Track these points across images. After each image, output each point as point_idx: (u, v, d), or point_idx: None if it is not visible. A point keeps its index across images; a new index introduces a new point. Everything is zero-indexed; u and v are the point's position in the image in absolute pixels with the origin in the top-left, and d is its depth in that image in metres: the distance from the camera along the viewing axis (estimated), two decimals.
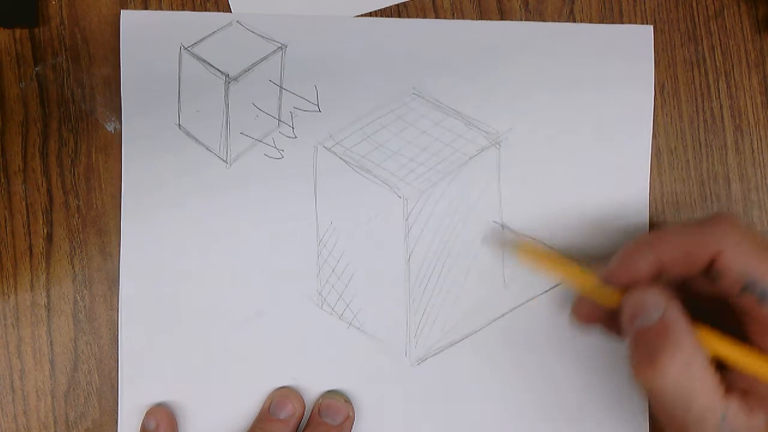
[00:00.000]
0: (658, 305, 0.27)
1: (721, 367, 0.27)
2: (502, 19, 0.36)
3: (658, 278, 0.28)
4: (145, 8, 0.35)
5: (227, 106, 0.35)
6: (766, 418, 0.26)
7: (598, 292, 0.30)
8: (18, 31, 0.35)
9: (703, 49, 0.36)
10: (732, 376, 0.27)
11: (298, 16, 0.35)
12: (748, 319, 0.27)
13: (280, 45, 0.35)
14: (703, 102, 0.36)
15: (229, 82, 0.35)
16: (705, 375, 0.26)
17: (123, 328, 0.34)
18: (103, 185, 0.35)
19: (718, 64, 0.36)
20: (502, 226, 0.35)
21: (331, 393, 0.34)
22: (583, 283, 0.31)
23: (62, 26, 0.35)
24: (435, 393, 0.35)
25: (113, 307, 0.35)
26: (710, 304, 0.29)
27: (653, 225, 0.35)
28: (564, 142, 0.35)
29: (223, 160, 0.35)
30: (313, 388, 0.34)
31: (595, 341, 0.35)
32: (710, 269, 0.27)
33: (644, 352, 0.27)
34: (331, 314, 0.35)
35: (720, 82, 0.36)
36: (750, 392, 0.27)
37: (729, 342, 0.27)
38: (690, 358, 0.26)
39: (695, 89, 0.36)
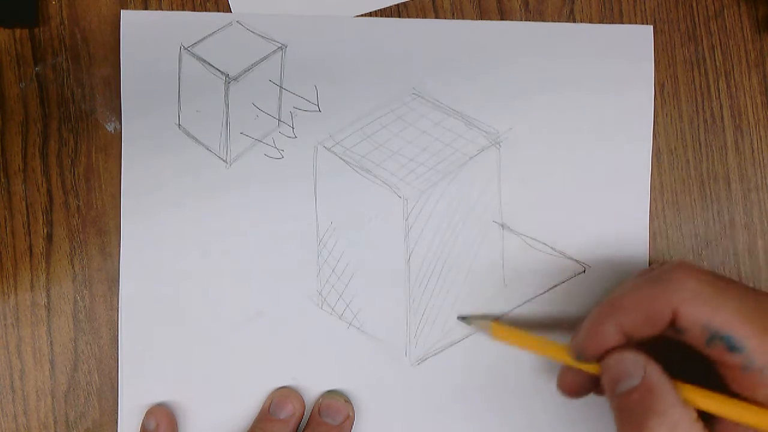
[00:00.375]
0: (637, 367, 0.27)
1: (706, 417, 0.27)
2: (502, 19, 0.36)
3: (630, 340, 0.28)
4: (145, 8, 0.35)
5: (227, 106, 0.35)
6: None
7: (577, 364, 0.30)
8: (18, 31, 0.35)
9: (703, 49, 0.36)
10: (719, 428, 0.27)
11: (298, 16, 0.35)
12: (723, 368, 0.27)
13: (280, 45, 0.35)
14: (703, 102, 0.36)
15: (229, 82, 0.35)
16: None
17: (123, 328, 0.34)
18: (103, 185, 0.35)
19: (718, 64, 0.36)
20: (502, 226, 0.35)
21: (331, 393, 0.34)
22: (558, 355, 0.31)
23: (62, 26, 0.35)
24: (435, 393, 0.35)
25: (113, 307, 0.35)
26: (688, 354, 0.28)
27: (652, 230, 0.35)
28: (564, 142, 0.35)
29: (223, 160, 0.35)
30: (313, 388, 0.34)
31: None
32: (674, 325, 0.27)
33: (630, 417, 0.26)
34: (331, 314, 0.35)
35: (720, 82, 0.36)
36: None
37: (712, 395, 0.27)
38: (677, 419, 0.26)
39: (695, 89, 0.36)
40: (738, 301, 0.26)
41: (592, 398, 0.35)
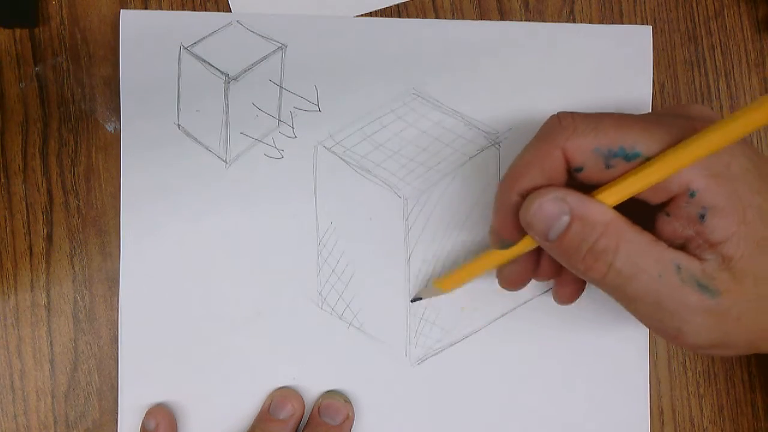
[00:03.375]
0: (559, 204, 0.26)
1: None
2: (502, 19, 0.36)
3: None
4: (145, 8, 0.35)
5: (227, 105, 0.35)
6: (716, 258, 0.26)
7: (502, 256, 0.30)
8: (18, 31, 0.35)
9: (703, 49, 0.36)
10: (662, 232, 0.27)
11: (298, 16, 0.35)
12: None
13: (280, 45, 0.35)
14: (703, 102, 0.36)
15: (229, 82, 0.35)
16: (644, 238, 0.26)
17: (123, 328, 0.34)
18: (103, 185, 0.35)
19: (718, 64, 0.36)
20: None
21: (331, 393, 0.34)
22: (489, 262, 0.31)
23: (62, 26, 0.35)
24: (435, 393, 0.35)
25: (113, 307, 0.35)
26: None
27: None
28: None
29: (223, 160, 0.35)
30: (313, 388, 0.34)
31: (596, 341, 0.35)
32: (572, 171, 0.27)
33: (576, 255, 0.26)
34: (331, 314, 0.35)
35: (720, 82, 0.36)
36: (686, 243, 0.27)
37: (620, 182, 0.26)
38: (625, 230, 0.26)
39: (695, 89, 0.36)
40: (616, 117, 0.27)
41: (592, 398, 0.35)
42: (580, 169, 0.27)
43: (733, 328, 0.26)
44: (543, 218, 0.27)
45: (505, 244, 0.29)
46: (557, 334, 0.35)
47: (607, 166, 0.27)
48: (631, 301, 0.27)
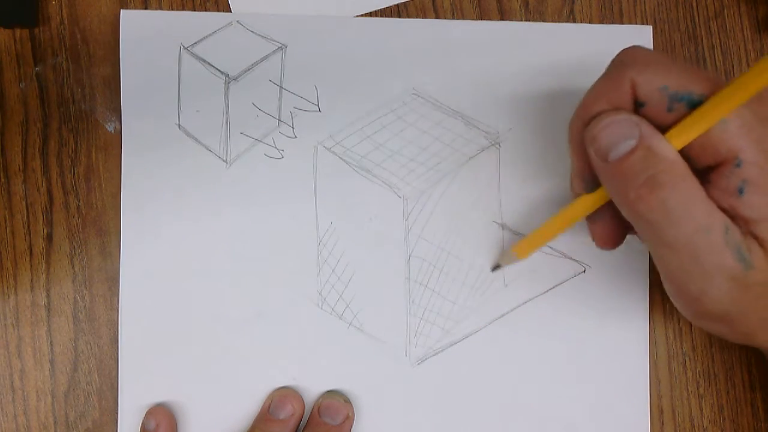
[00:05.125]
0: (631, 127, 0.26)
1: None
2: (502, 19, 0.36)
3: None
4: (145, 8, 0.35)
5: (227, 106, 0.35)
6: (748, 233, 0.26)
7: (592, 201, 0.29)
8: (18, 31, 0.35)
9: (703, 49, 0.36)
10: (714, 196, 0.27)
11: (298, 16, 0.35)
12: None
13: (280, 45, 0.35)
14: None
15: (229, 82, 0.35)
16: (700, 190, 0.26)
17: (123, 328, 0.34)
18: (103, 185, 0.35)
19: (718, 64, 0.36)
20: (502, 226, 0.35)
21: (331, 393, 0.34)
22: (579, 210, 0.30)
23: (62, 26, 0.35)
24: (435, 393, 0.35)
25: (113, 307, 0.35)
26: None
27: None
28: (564, 142, 0.35)
29: (223, 160, 0.35)
30: (313, 388, 0.34)
31: (596, 341, 0.35)
32: (636, 105, 0.27)
33: (631, 182, 0.26)
34: (331, 314, 0.35)
35: None
36: (732, 216, 0.26)
37: (686, 124, 0.26)
38: (686, 174, 0.26)
39: None
40: (685, 64, 0.27)
41: (592, 398, 0.35)
42: (642, 105, 0.27)
43: (749, 306, 0.26)
44: (610, 135, 0.26)
45: (590, 187, 0.29)
46: (557, 334, 0.35)
47: (670, 109, 0.26)
48: (666, 246, 0.26)
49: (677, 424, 0.35)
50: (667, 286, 0.28)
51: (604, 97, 0.27)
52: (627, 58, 0.28)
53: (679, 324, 0.35)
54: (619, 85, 0.27)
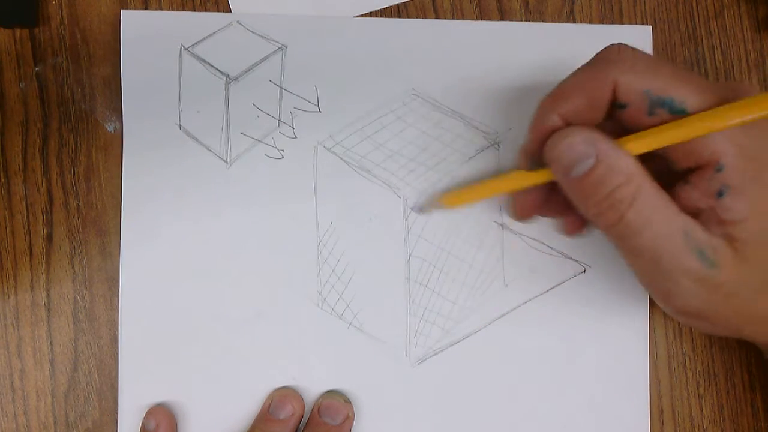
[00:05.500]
0: (588, 146, 0.26)
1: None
2: (502, 19, 0.36)
3: None
4: (145, 8, 0.35)
5: (227, 106, 0.35)
6: (723, 235, 0.26)
7: (527, 179, 0.30)
8: (18, 31, 0.35)
9: (703, 49, 0.36)
10: (677, 197, 0.27)
11: (298, 16, 0.35)
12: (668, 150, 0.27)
13: (280, 45, 0.35)
14: None
15: (229, 83, 0.35)
16: (660, 197, 0.26)
17: (123, 328, 0.34)
18: (103, 185, 0.35)
19: (718, 64, 0.36)
20: (502, 226, 0.35)
21: (331, 393, 0.34)
22: (513, 182, 0.30)
23: (62, 26, 0.35)
24: (435, 393, 0.35)
25: (113, 307, 0.35)
26: None
27: None
28: None
29: (224, 160, 0.35)
30: (313, 388, 0.34)
31: (596, 341, 0.35)
32: (614, 105, 0.27)
33: (592, 199, 0.26)
34: (331, 314, 0.35)
35: (720, 82, 0.36)
36: (697, 213, 0.27)
37: (648, 134, 0.26)
38: (645, 185, 0.26)
39: None
40: (673, 68, 0.27)
41: (592, 398, 0.35)
42: (623, 106, 0.27)
43: (721, 304, 0.27)
44: (570, 156, 0.27)
45: (532, 166, 0.29)
46: (557, 334, 0.35)
47: (650, 113, 0.26)
48: (632, 253, 0.27)
49: (677, 424, 0.35)
50: (642, 286, 0.29)
51: (583, 90, 0.27)
52: (613, 56, 0.28)
53: (679, 324, 0.35)
54: (600, 82, 0.27)
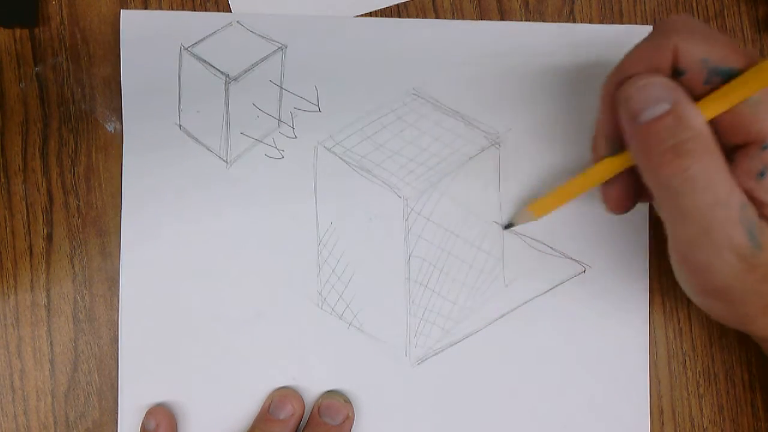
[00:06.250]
0: (666, 91, 0.26)
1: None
2: (502, 19, 0.36)
3: None
4: (145, 8, 0.35)
5: (227, 106, 0.35)
6: (761, 216, 0.26)
7: (616, 163, 0.29)
8: (18, 31, 0.35)
9: None
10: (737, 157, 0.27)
11: (298, 16, 0.35)
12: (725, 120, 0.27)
13: (280, 45, 0.35)
14: None
15: (229, 82, 0.35)
16: (724, 165, 0.26)
17: (123, 328, 0.34)
18: (103, 185, 0.35)
19: None
20: (502, 226, 0.35)
21: (331, 393, 0.34)
22: (602, 172, 0.30)
23: (62, 26, 0.35)
24: (435, 393, 0.35)
25: (113, 307, 0.35)
26: None
27: (653, 226, 0.35)
28: (563, 142, 0.35)
29: (224, 160, 0.35)
30: (313, 388, 0.34)
31: (596, 342, 0.35)
32: (675, 72, 0.27)
33: (661, 148, 0.26)
34: (331, 314, 0.35)
35: None
36: (749, 198, 0.27)
37: (717, 96, 0.26)
38: (713, 147, 0.26)
39: None
40: (728, 39, 0.27)
41: (592, 398, 0.35)
42: (682, 73, 0.27)
43: (751, 286, 0.27)
44: (644, 96, 0.26)
45: (614, 149, 0.29)
46: (557, 335, 0.35)
47: (707, 81, 0.27)
48: (681, 215, 0.26)
49: (677, 424, 0.35)
50: (674, 257, 0.28)
51: (643, 60, 0.27)
52: (674, 25, 0.28)
53: (679, 324, 0.35)
54: (662, 49, 0.27)
